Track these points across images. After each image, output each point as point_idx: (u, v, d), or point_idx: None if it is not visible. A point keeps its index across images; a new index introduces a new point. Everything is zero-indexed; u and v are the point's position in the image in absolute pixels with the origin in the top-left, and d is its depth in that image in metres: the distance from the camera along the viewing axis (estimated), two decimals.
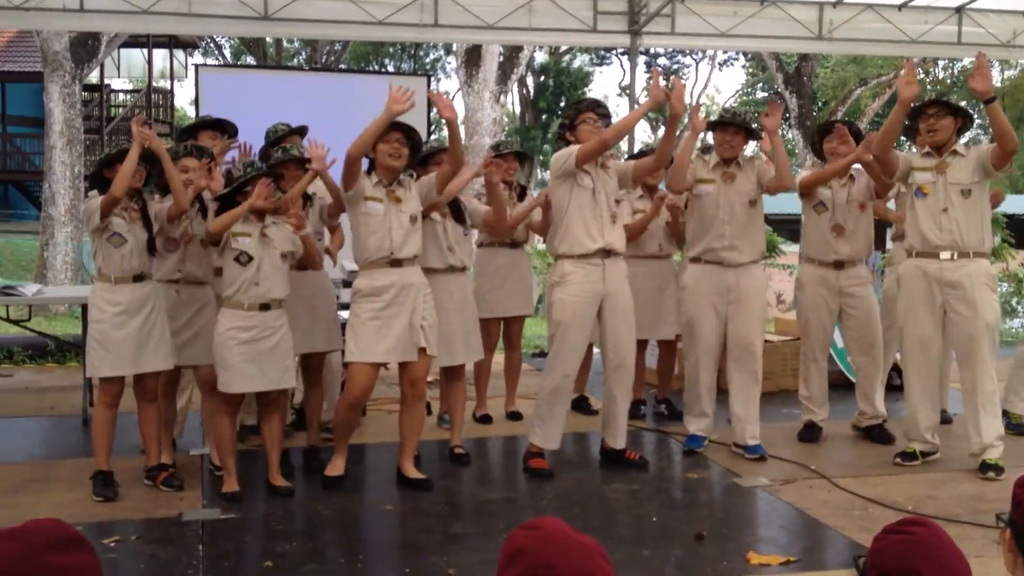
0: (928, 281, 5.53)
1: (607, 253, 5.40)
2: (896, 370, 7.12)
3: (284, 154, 5.34)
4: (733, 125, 5.77)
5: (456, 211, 5.67)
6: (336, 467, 5.25)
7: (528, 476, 5.45)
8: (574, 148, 5.38)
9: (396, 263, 5.07)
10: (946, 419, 6.32)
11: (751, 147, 6.22)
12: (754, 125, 5.83)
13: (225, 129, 5.80)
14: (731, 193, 5.76)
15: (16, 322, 7.42)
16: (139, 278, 5.00)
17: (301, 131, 5.96)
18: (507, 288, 6.43)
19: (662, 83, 5.31)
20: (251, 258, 4.89)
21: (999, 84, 33.41)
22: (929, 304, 5.55)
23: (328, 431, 5.71)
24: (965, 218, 5.46)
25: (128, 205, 4.97)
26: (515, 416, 6.72)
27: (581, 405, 6.96)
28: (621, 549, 4.30)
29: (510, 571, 1.87)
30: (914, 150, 5.76)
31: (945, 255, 5.49)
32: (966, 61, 30.20)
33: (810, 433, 6.24)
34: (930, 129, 5.53)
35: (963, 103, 5.70)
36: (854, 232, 6.10)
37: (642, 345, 6.67)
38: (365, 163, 5.13)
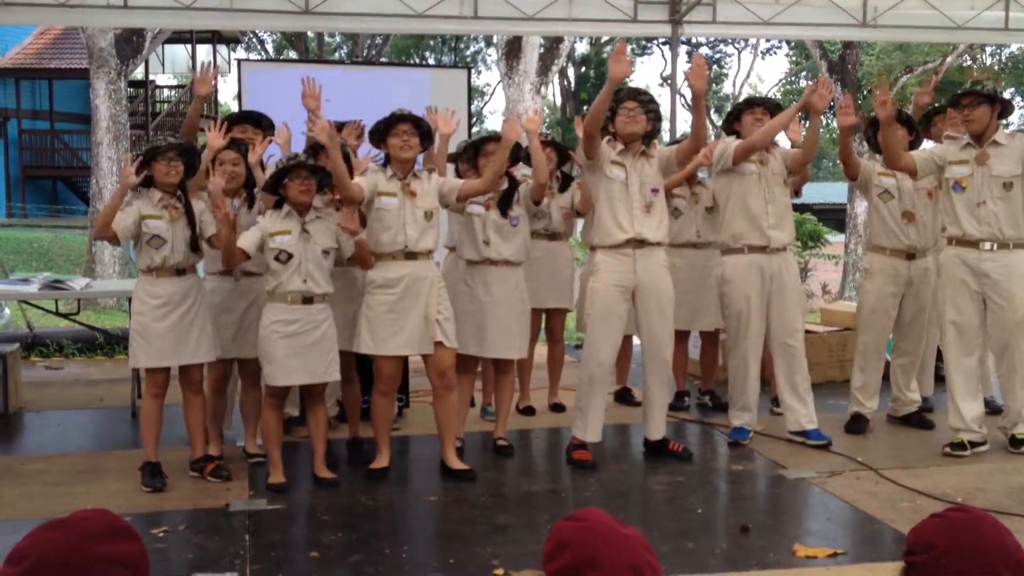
0: (968, 270, 5.51)
1: (639, 243, 5.37)
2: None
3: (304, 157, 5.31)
4: (762, 106, 5.81)
5: (503, 203, 5.48)
6: (381, 460, 5.28)
7: (572, 468, 5.44)
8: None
9: (411, 256, 5.10)
10: (996, 409, 6.23)
11: (783, 142, 6.16)
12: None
13: (259, 122, 5.77)
14: (768, 175, 5.74)
15: (66, 315, 7.54)
16: (181, 272, 5.06)
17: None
18: (544, 280, 6.34)
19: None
20: (291, 256, 4.90)
21: None
22: (969, 292, 5.52)
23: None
24: (1006, 210, 5.44)
25: (169, 203, 5.01)
26: (558, 408, 6.71)
27: (624, 397, 6.94)
28: (666, 541, 4.28)
29: (555, 563, 1.87)
30: (927, 143, 5.69)
31: (985, 246, 5.48)
32: (1014, 47, 29.68)
33: (857, 425, 6.16)
34: (965, 120, 5.50)
35: (1011, 90, 5.64)
36: (925, 220, 6.03)
37: (683, 336, 6.64)
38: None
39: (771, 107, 5.88)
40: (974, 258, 5.49)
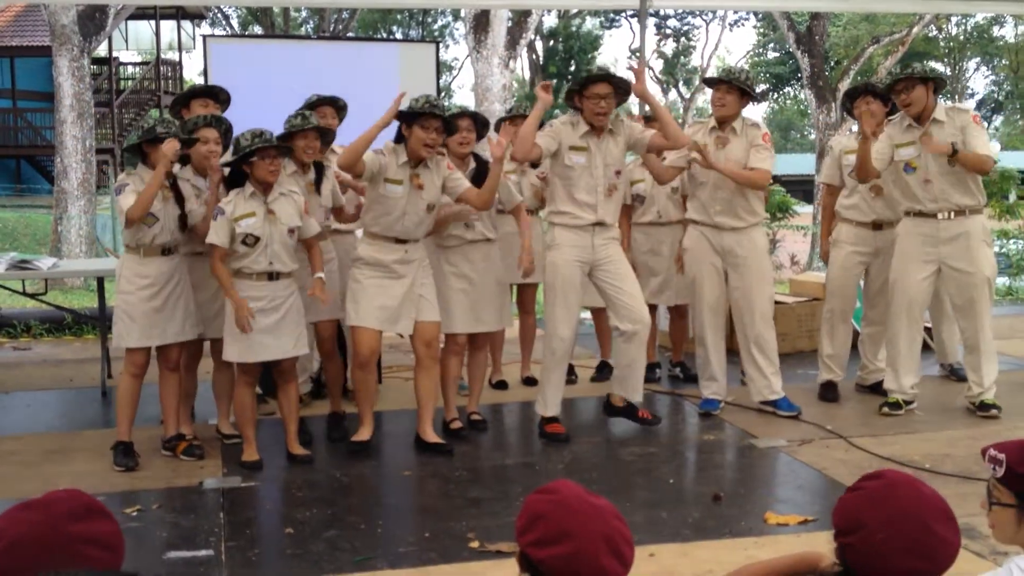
0: (926, 240, 5.66)
1: (600, 224, 5.40)
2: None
3: (303, 121, 5.24)
4: (725, 83, 5.70)
5: (475, 183, 5.38)
6: (363, 432, 5.29)
7: (545, 441, 5.47)
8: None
9: (402, 241, 5.12)
10: (961, 377, 6.34)
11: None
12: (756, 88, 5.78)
13: (217, 96, 5.69)
14: (721, 159, 5.67)
15: (32, 295, 7.47)
16: (168, 251, 5.05)
17: (335, 102, 5.79)
18: (514, 255, 6.34)
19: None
20: (258, 239, 4.87)
21: (1012, 40, 33.08)
22: (923, 264, 5.67)
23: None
24: (954, 181, 5.58)
25: (162, 184, 4.97)
26: (530, 382, 6.72)
27: (604, 370, 6.93)
28: (639, 511, 4.33)
29: (529, 535, 1.90)
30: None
31: (942, 215, 5.63)
32: (979, 17, 29.90)
33: (830, 392, 6.25)
34: (903, 104, 5.61)
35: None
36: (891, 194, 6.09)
37: (651, 310, 6.67)
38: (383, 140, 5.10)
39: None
40: (932, 227, 5.63)
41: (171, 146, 4.78)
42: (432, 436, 5.29)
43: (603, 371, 6.88)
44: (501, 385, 6.69)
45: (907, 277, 5.72)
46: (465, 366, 5.83)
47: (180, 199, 5.06)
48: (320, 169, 5.39)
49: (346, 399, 5.82)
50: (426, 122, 4.99)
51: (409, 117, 5.03)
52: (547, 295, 5.51)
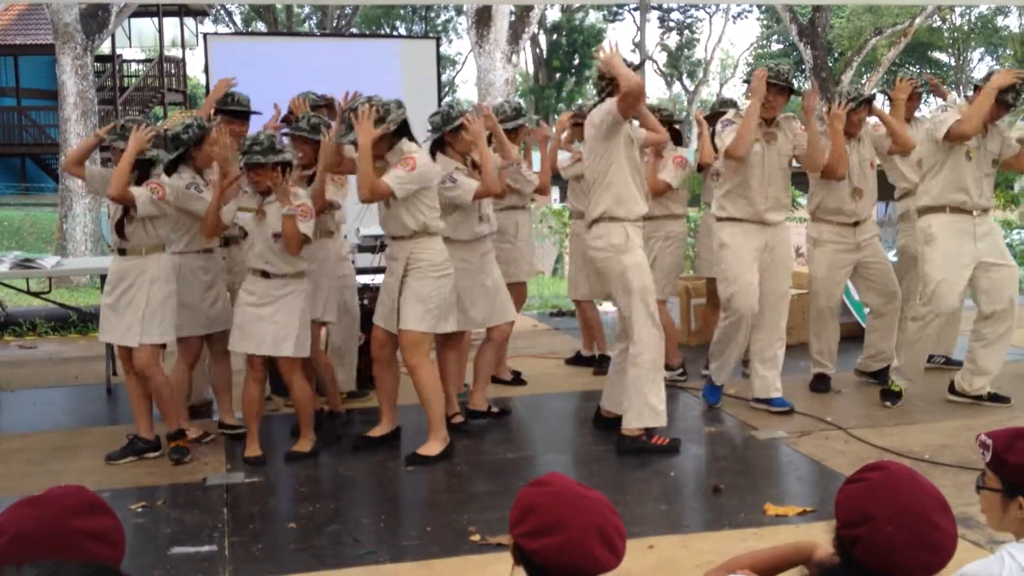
0: (964, 235, 5.68)
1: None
2: None
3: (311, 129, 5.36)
4: (776, 85, 5.56)
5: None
6: (381, 427, 5.35)
7: (548, 435, 5.50)
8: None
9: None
10: (954, 364, 6.45)
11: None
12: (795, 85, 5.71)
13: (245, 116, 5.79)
14: (773, 155, 5.67)
15: (37, 294, 7.52)
16: (121, 252, 5.08)
17: (328, 103, 5.84)
18: (503, 254, 6.18)
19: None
20: (247, 234, 5.05)
21: (1017, 30, 32.99)
22: (965, 257, 5.70)
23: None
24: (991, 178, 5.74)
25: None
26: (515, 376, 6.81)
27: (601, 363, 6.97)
28: (639, 504, 4.36)
29: (522, 527, 1.93)
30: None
31: (977, 212, 5.70)
32: (983, 7, 29.78)
33: (822, 384, 6.29)
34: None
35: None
36: (870, 191, 6.17)
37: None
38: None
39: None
40: (969, 224, 5.69)
41: (139, 138, 4.86)
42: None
43: (600, 364, 6.90)
44: (517, 379, 6.74)
45: (938, 267, 5.71)
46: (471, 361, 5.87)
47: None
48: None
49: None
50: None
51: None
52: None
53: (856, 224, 6.17)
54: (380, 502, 4.64)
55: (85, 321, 9.02)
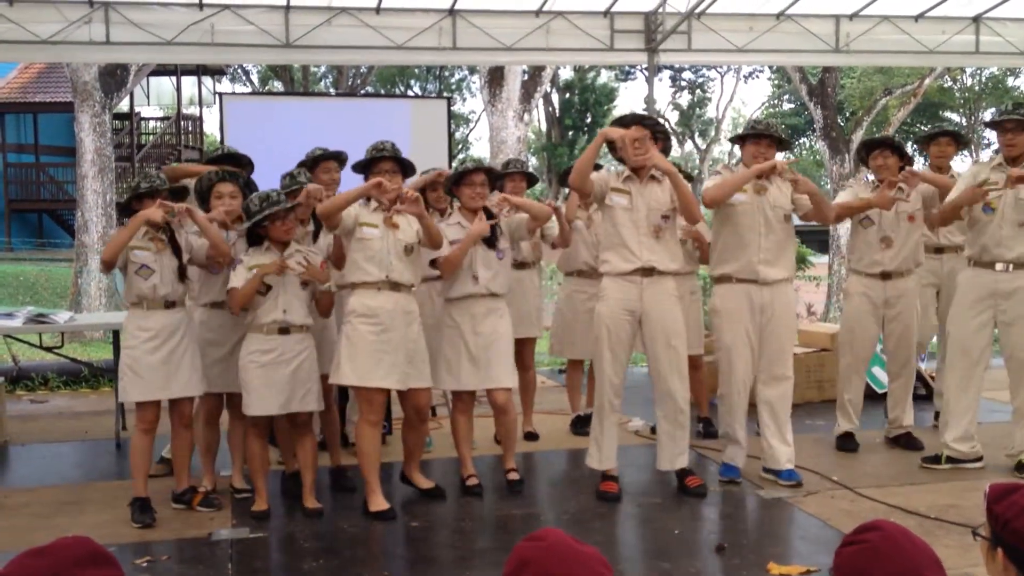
0: (983, 290, 5.67)
1: (647, 272, 5.25)
2: (921, 379, 7.18)
3: (291, 181, 5.44)
4: (767, 137, 5.54)
5: (489, 237, 5.44)
6: (378, 502, 5.15)
7: (549, 492, 5.50)
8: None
9: (395, 287, 5.11)
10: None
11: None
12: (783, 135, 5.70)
13: (239, 161, 5.80)
14: (764, 205, 5.50)
15: (49, 349, 7.58)
16: (170, 305, 5.09)
17: (338, 156, 5.89)
18: (512, 310, 5.91)
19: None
20: (270, 287, 4.97)
21: (1021, 91, 33.18)
22: (981, 313, 5.69)
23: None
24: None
25: (155, 236, 5.04)
26: (531, 437, 6.75)
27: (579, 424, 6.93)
28: (642, 562, 4.36)
29: None
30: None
31: (1000, 266, 5.63)
32: (992, 68, 29.96)
33: (848, 443, 6.30)
34: (1008, 144, 5.65)
35: (991, 110, 5.88)
36: (904, 244, 6.15)
37: None
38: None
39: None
40: (991, 279, 5.66)
41: (156, 212, 4.90)
42: (424, 482, 5.48)
43: (578, 425, 6.88)
44: (531, 437, 6.73)
45: (963, 324, 5.73)
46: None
47: (177, 251, 5.11)
48: (320, 222, 5.47)
49: (344, 448, 5.96)
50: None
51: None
52: (596, 346, 5.40)
53: (885, 277, 6.18)
54: (383, 557, 4.64)
55: (96, 376, 9.08)
